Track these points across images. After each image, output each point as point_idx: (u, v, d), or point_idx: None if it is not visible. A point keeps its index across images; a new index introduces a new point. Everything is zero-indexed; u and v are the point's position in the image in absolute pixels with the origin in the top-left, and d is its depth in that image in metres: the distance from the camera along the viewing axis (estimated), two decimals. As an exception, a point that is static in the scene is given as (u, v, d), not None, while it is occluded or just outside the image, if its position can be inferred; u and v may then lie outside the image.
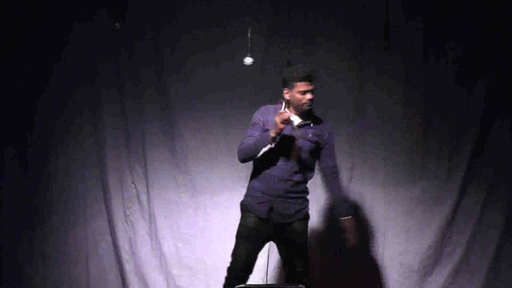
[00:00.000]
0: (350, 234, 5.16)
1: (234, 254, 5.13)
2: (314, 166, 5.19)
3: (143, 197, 6.35)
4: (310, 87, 5.04)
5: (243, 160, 5.05)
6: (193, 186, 6.28)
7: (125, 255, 6.33)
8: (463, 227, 6.22)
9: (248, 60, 5.68)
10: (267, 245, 5.28)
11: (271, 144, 4.90)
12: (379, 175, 6.26)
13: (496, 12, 6.16)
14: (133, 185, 6.38)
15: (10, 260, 6.39)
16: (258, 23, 6.06)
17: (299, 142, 5.02)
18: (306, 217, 5.19)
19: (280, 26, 6.25)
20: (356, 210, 6.20)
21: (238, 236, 5.14)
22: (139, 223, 6.36)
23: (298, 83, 5.02)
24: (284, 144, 4.99)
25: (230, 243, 5.92)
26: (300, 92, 5.02)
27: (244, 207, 5.16)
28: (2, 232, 6.38)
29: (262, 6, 6.22)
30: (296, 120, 5.08)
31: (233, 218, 5.93)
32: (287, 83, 5.06)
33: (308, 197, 5.20)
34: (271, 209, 5.04)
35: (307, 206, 5.19)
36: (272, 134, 4.86)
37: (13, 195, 6.38)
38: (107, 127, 6.37)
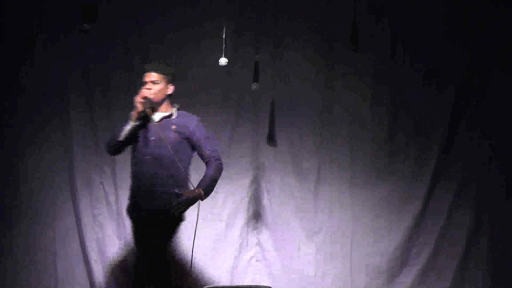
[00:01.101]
0: (183, 201, 5.04)
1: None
2: (186, 161, 5.17)
3: (111, 198, 6.35)
4: (148, 78, 5.14)
5: (109, 152, 5.21)
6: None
7: (93, 255, 6.32)
8: (431, 227, 6.24)
9: (223, 61, 5.66)
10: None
11: (134, 121, 5.02)
12: (346, 175, 6.27)
13: (464, 12, 6.17)
14: (101, 185, 6.37)
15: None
16: (226, 25, 6.04)
17: (162, 134, 5.03)
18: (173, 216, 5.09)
19: (248, 28, 6.26)
20: (324, 212, 6.22)
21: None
22: (107, 223, 6.35)
23: (146, 74, 5.17)
24: (146, 137, 5.06)
25: (196, 243, 5.95)
26: (144, 83, 5.14)
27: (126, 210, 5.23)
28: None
29: (230, 9, 6.22)
30: (160, 113, 5.13)
31: (199, 220, 5.99)
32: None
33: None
34: (137, 207, 5.08)
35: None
36: (135, 112, 5.02)
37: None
38: (75, 127, 6.36)
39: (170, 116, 5.16)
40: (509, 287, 6.14)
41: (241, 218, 6.29)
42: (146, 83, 5.13)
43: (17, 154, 6.38)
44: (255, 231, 6.30)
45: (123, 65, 6.37)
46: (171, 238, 5.14)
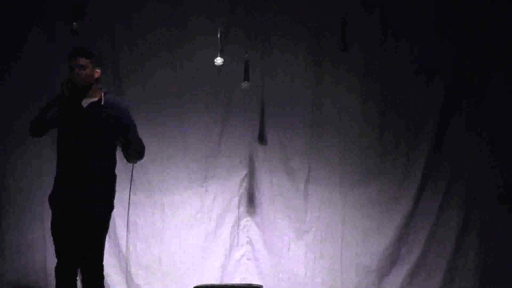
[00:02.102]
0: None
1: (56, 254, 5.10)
2: (112, 147, 5.11)
3: (101, 196, 6.32)
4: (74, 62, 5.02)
5: (31, 127, 5.05)
6: (150, 186, 6.26)
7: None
8: (420, 226, 6.26)
9: (219, 60, 5.67)
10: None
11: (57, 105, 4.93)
12: (336, 175, 6.28)
13: (454, 6, 6.20)
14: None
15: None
16: (214, 23, 6.04)
17: (90, 121, 4.96)
18: (100, 206, 5.05)
19: (236, 26, 6.24)
20: (314, 211, 6.22)
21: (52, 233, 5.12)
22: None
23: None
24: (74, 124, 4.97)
25: (187, 242, 5.96)
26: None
27: (49, 199, 5.16)
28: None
29: (218, 7, 6.22)
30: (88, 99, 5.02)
31: (190, 217, 6.01)
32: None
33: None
34: (65, 195, 4.99)
35: (106, 195, 5.08)
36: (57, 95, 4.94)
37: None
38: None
39: (98, 101, 5.03)
40: (498, 286, 6.17)
41: (231, 217, 6.27)
42: (73, 68, 5.00)
43: (5, 152, 6.35)
44: (245, 230, 6.30)
45: (110, 62, 6.29)
46: (105, 227, 5.08)
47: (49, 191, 6.24)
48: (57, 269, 5.06)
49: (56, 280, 5.06)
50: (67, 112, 4.99)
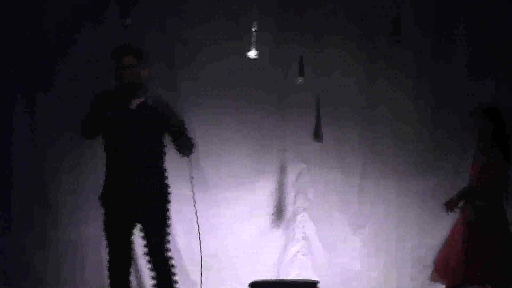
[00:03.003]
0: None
1: (109, 252, 5.12)
2: (162, 147, 5.09)
3: (155, 192, 6.35)
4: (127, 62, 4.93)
5: (82, 129, 5.06)
6: (205, 182, 6.26)
7: (139, 250, 6.31)
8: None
9: (253, 54, 5.64)
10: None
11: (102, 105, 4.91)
12: (390, 170, 6.28)
13: (509, 5, 6.13)
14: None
15: (22, 253, 6.37)
16: (266, 18, 6.03)
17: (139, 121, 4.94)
18: (160, 192, 5.10)
19: (288, 22, 6.24)
20: (369, 206, 6.21)
21: (106, 231, 5.12)
22: (152, 217, 6.36)
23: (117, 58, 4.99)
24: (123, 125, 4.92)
25: (242, 237, 5.96)
26: (119, 67, 4.97)
27: (102, 196, 5.09)
28: (13, 227, 6.38)
29: (271, 2, 6.21)
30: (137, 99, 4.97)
31: (244, 212, 6.01)
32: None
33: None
34: (126, 188, 4.95)
35: (164, 185, 5.11)
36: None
37: (24, 192, 6.40)
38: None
39: (145, 101, 4.98)
40: None
41: (287, 212, 6.29)
42: (123, 66, 4.91)
43: (59, 150, 6.39)
44: (300, 226, 6.31)
45: (163, 55, 6.32)
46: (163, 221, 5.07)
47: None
48: (110, 267, 5.08)
49: (110, 278, 5.09)
50: (115, 113, 4.93)
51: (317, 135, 6.19)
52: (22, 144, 6.36)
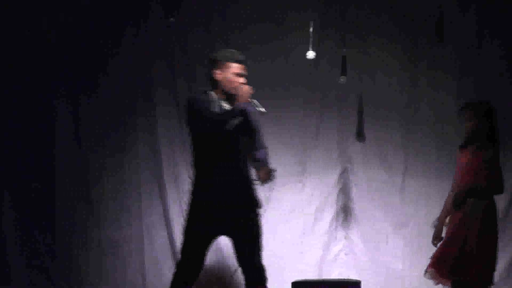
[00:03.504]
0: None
1: (182, 253, 4.96)
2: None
3: (199, 191, 6.38)
4: (244, 71, 4.92)
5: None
6: (247, 179, 6.30)
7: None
8: (517, 219, 6.21)
9: (311, 54, 5.65)
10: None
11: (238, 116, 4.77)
12: (432, 169, 6.29)
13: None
14: (188, 179, 6.38)
15: (64, 253, 6.45)
16: (310, 19, 6.05)
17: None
18: (255, 205, 4.99)
19: (332, 23, 6.26)
20: (411, 205, 6.22)
21: (185, 234, 4.96)
22: (195, 217, 6.39)
23: (234, 65, 4.90)
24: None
25: (283, 236, 5.99)
26: (234, 74, 4.89)
27: (190, 204, 4.95)
28: (58, 226, 6.44)
29: (314, 3, 6.23)
30: (226, 105, 4.91)
31: (286, 211, 6.09)
32: (220, 64, 4.90)
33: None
34: (221, 200, 4.84)
35: (255, 194, 5.01)
36: (241, 104, 4.78)
37: (68, 189, 6.46)
38: (161, 121, 6.42)
39: (242, 122, 4.90)
40: None
41: (329, 211, 6.32)
42: (242, 75, 4.93)
43: (104, 150, 6.46)
44: (343, 225, 6.32)
45: (207, 56, 6.34)
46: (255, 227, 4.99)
47: (147, 187, 6.39)
48: (176, 275, 4.98)
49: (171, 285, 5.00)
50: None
51: (360, 135, 6.22)
52: (67, 145, 6.46)
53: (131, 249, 6.46)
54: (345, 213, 6.33)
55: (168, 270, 6.39)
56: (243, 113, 4.80)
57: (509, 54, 6.24)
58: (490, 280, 5.16)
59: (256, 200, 5.00)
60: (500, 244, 6.10)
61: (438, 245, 5.32)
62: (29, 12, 6.35)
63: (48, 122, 6.44)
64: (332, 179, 6.26)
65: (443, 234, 5.33)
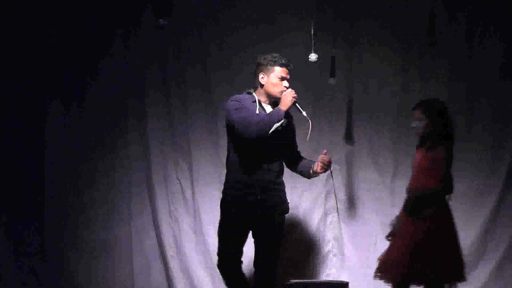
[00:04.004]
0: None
1: (220, 253, 5.12)
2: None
3: (188, 193, 6.40)
4: (288, 75, 5.05)
5: (257, 135, 4.90)
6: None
7: (170, 251, 6.37)
8: (507, 220, 6.21)
9: (313, 57, 5.66)
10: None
11: (282, 119, 4.90)
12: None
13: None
14: (177, 181, 6.42)
15: (54, 254, 6.46)
16: (302, 21, 6.05)
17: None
18: (286, 211, 5.17)
19: (324, 27, 6.23)
20: (400, 205, 6.18)
21: (221, 233, 5.13)
22: (184, 219, 6.40)
23: (278, 68, 5.03)
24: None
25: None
26: (278, 77, 5.02)
27: (224, 202, 5.12)
28: (48, 228, 6.44)
29: (307, 6, 6.23)
30: (269, 109, 5.05)
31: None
32: (264, 68, 5.04)
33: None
34: (255, 200, 5.00)
35: (286, 199, 5.19)
36: (284, 108, 4.91)
37: (58, 192, 6.45)
38: (152, 123, 6.44)
39: (287, 123, 5.14)
40: None
41: (318, 212, 6.32)
42: (285, 79, 5.08)
43: (95, 151, 6.47)
44: (331, 226, 6.32)
45: (199, 58, 6.41)
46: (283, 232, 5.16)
47: (136, 188, 6.40)
48: (221, 266, 5.15)
49: (222, 276, 5.15)
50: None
51: (349, 137, 6.23)
52: (57, 146, 6.48)
53: (121, 251, 6.47)
54: (333, 214, 6.32)
55: (157, 271, 6.43)
56: (288, 117, 5.01)
57: (500, 60, 6.23)
58: (460, 276, 5.10)
59: (285, 205, 5.14)
60: (489, 244, 6.25)
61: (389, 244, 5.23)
62: (21, 14, 6.35)
63: (39, 123, 6.45)
64: (321, 180, 6.24)
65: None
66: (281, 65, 5.04)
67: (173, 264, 6.36)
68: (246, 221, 5.05)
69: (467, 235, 6.18)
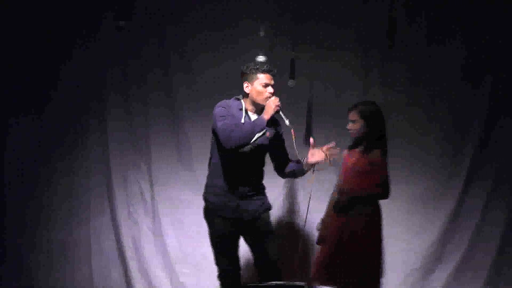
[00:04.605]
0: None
1: (218, 262, 5.15)
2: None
3: (147, 194, 6.39)
4: (271, 81, 5.02)
5: (239, 145, 4.91)
6: (197, 183, 6.24)
7: (129, 252, 6.35)
8: (465, 224, 6.24)
9: (261, 58, 5.65)
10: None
11: (264, 129, 4.90)
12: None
13: (500, 8, 6.17)
14: (137, 182, 6.40)
15: (13, 256, 6.43)
16: (262, 24, 6.05)
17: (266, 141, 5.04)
18: (267, 208, 5.20)
19: (285, 30, 6.27)
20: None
21: (213, 243, 5.15)
22: (143, 220, 6.39)
23: (261, 75, 5.01)
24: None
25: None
26: (262, 85, 5.00)
27: (207, 210, 5.14)
28: (7, 229, 6.41)
29: (267, 9, 6.24)
30: (254, 117, 5.04)
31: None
32: (248, 76, 5.03)
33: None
34: (235, 209, 5.03)
35: (266, 196, 5.21)
36: (266, 117, 4.90)
37: (18, 193, 6.41)
38: (112, 125, 6.41)
39: (276, 131, 5.16)
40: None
41: (276, 215, 6.30)
42: (267, 85, 5.04)
43: (54, 152, 6.44)
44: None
45: (160, 61, 6.40)
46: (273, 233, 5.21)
47: (96, 190, 6.37)
48: (221, 277, 5.18)
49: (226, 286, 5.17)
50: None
51: (308, 139, 6.21)
52: (18, 146, 6.43)
53: (80, 252, 6.45)
54: (290, 216, 6.31)
55: (116, 272, 6.40)
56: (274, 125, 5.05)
57: (460, 63, 6.25)
58: (377, 286, 5.16)
59: (266, 203, 5.19)
60: (447, 248, 6.28)
61: (321, 248, 5.27)
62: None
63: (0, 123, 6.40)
64: (279, 183, 6.23)
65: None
66: (263, 72, 5.02)
67: (132, 265, 6.35)
68: (232, 226, 5.07)
69: (426, 238, 6.24)
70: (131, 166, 6.41)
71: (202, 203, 6.20)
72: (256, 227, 5.10)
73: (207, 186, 5.17)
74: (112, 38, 6.33)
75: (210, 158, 5.18)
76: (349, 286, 5.05)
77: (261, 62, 5.13)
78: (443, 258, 6.25)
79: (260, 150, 5.04)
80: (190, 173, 6.31)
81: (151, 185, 6.37)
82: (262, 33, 5.57)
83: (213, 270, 6.12)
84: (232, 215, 5.04)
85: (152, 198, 6.36)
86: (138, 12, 6.28)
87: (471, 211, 6.24)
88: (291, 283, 5.53)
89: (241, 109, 5.04)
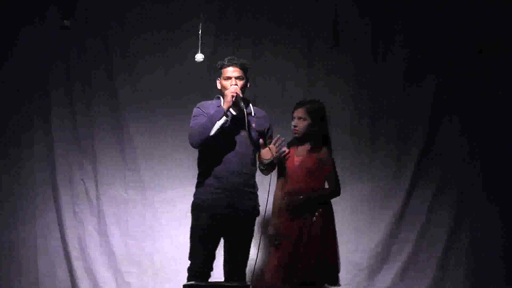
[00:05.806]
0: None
1: (192, 256, 5.09)
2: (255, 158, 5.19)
3: (92, 194, 6.34)
4: (234, 73, 5.02)
5: (199, 142, 4.94)
6: (142, 183, 6.29)
7: (74, 252, 6.31)
8: (411, 225, 6.29)
9: (199, 57, 5.60)
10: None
11: (226, 116, 4.89)
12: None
13: (444, 9, 6.22)
14: (82, 182, 6.36)
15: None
16: (206, 24, 6.02)
17: (245, 133, 5.04)
18: (257, 214, 5.19)
19: (227, 28, 6.26)
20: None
21: (193, 237, 5.10)
22: (88, 220, 6.34)
23: (224, 70, 5.05)
24: (234, 135, 5.00)
25: (178, 239, 5.92)
26: (224, 78, 5.05)
27: (196, 206, 5.11)
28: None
29: (210, 9, 6.22)
30: (232, 112, 5.04)
31: (182, 214, 5.97)
32: (219, 74, 5.09)
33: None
34: (228, 204, 5.01)
35: (258, 202, 5.18)
36: (225, 106, 4.90)
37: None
38: (56, 123, 6.35)
39: (250, 113, 5.11)
40: (488, 285, 6.20)
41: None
42: (230, 78, 5.04)
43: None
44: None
45: (103, 61, 6.36)
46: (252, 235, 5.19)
47: (40, 189, 6.31)
48: (195, 269, 5.09)
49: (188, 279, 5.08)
50: (234, 125, 4.99)
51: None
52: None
53: (24, 251, 6.37)
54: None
55: (61, 272, 6.35)
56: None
57: (403, 65, 6.29)
58: (335, 281, 5.18)
59: (257, 208, 5.16)
60: (393, 248, 6.30)
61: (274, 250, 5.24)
62: None
63: None
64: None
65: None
66: (223, 66, 5.06)
67: (77, 265, 6.30)
68: (218, 225, 5.03)
69: (371, 238, 6.27)
70: (76, 166, 6.35)
71: (146, 203, 6.26)
72: (242, 229, 5.09)
73: (197, 184, 5.14)
74: (55, 36, 6.28)
75: (199, 157, 5.16)
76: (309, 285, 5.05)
77: (223, 60, 5.08)
78: (389, 258, 6.28)
79: (243, 142, 5.02)
80: (135, 173, 6.29)
81: (96, 185, 6.33)
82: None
83: (157, 268, 6.21)
84: (221, 213, 5.00)
85: (97, 198, 6.32)
86: (81, 11, 6.24)
87: (416, 211, 6.28)
88: (235, 283, 5.53)
89: (219, 106, 5.03)
